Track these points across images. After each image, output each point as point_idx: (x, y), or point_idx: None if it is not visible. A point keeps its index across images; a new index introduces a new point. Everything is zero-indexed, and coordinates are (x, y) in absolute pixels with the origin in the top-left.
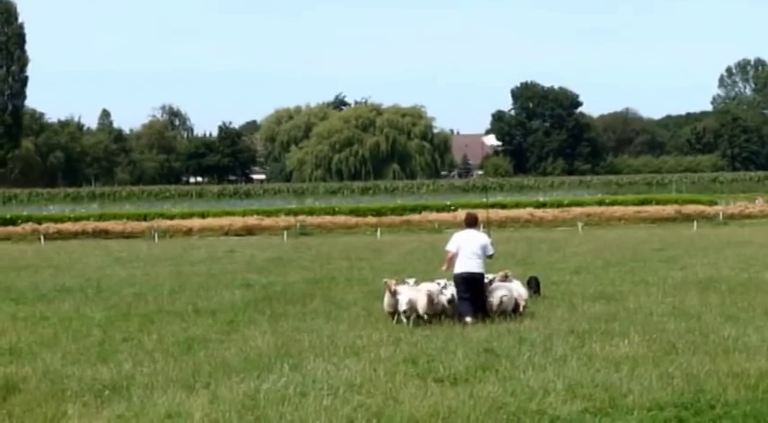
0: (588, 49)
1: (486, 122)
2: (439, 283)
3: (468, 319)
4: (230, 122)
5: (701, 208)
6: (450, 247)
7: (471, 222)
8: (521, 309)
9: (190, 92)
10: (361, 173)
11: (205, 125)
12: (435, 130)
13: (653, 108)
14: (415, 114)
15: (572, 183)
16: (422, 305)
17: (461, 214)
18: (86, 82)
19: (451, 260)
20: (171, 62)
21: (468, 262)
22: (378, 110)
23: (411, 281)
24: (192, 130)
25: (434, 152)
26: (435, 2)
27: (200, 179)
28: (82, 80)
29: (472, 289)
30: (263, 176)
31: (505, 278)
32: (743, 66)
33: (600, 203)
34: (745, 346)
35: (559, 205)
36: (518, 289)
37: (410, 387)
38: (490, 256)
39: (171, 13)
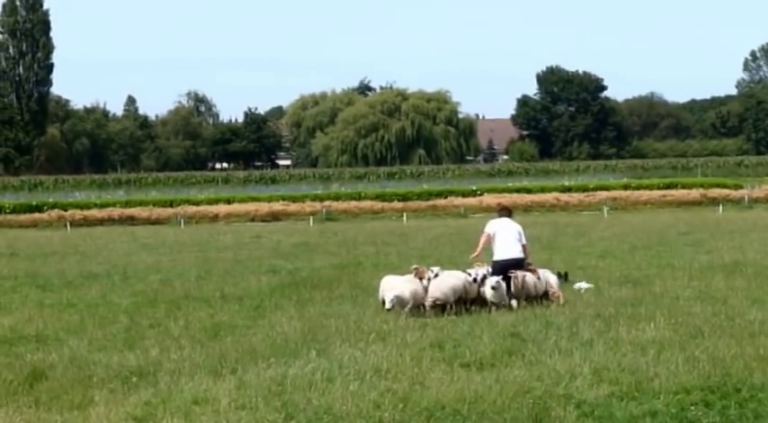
0: (612, 33)
1: (511, 107)
2: (470, 274)
3: (514, 302)
4: (256, 108)
5: (726, 191)
6: (489, 229)
7: (506, 212)
8: (551, 296)
9: (215, 78)
10: (387, 158)
11: (230, 111)
12: (460, 115)
13: (678, 92)
14: (441, 99)
15: (597, 167)
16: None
17: (487, 199)
18: (112, 69)
19: (485, 244)
20: (197, 48)
21: (509, 248)
22: (403, 95)
23: (436, 269)
24: (217, 116)
25: (460, 137)
26: None
27: (225, 165)
28: (107, 67)
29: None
30: (288, 162)
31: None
32: (767, 50)
33: (625, 187)
34: None
35: (585, 189)
36: (544, 275)
37: (436, 372)
38: (524, 246)
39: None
